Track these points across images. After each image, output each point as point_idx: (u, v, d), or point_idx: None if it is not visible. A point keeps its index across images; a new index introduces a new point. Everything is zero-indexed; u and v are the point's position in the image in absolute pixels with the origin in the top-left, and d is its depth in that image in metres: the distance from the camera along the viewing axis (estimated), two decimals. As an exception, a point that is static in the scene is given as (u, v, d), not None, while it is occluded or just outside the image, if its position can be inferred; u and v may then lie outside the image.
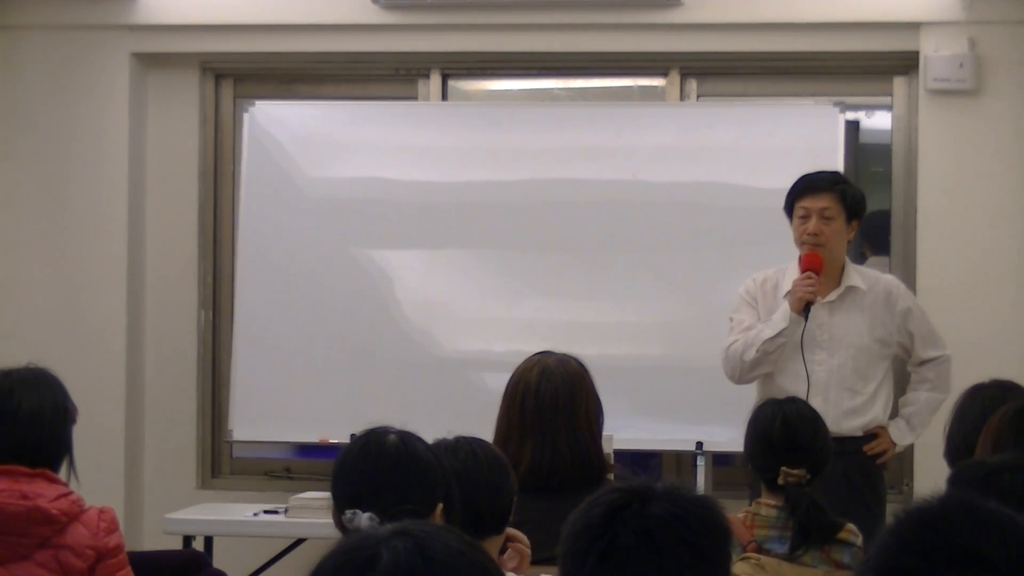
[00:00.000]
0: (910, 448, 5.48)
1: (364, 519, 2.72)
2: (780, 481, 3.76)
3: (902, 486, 6.15)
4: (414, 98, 6.54)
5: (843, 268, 5.13)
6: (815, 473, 3.79)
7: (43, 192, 6.50)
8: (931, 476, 5.34)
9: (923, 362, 5.19)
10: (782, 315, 5.03)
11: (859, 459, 5.02)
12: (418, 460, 2.81)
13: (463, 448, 3.11)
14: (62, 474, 3.75)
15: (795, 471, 3.75)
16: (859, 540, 3.76)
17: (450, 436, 3.16)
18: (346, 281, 6.20)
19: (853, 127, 6.32)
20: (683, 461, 6.20)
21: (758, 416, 3.91)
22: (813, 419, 3.91)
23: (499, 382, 3.94)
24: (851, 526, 3.79)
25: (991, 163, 6.08)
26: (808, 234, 5.05)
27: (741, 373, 5.11)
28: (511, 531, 3.15)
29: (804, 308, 4.99)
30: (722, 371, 5.18)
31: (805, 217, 5.08)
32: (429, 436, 2.95)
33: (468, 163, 6.21)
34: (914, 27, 6.11)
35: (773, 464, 3.78)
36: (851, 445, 4.97)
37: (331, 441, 5.96)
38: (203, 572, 5.10)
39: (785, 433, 3.81)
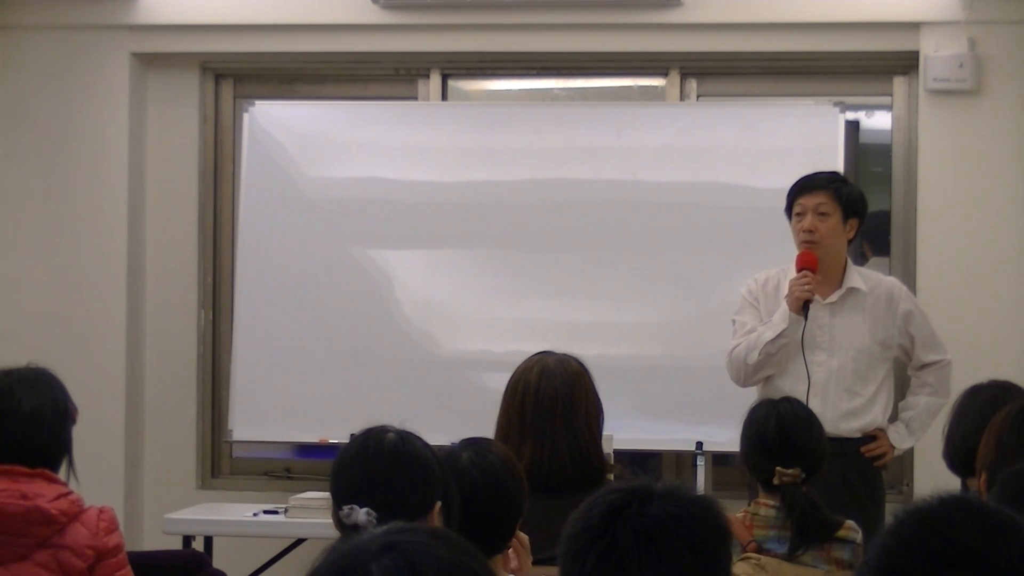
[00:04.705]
0: (910, 449, 5.47)
1: (361, 514, 2.73)
2: (775, 481, 3.75)
3: (902, 487, 6.15)
4: (414, 98, 6.55)
5: (844, 269, 5.13)
6: (811, 473, 3.79)
7: (43, 192, 6.50)
8: (931, 476, 5.33)
9: (923, 366, 5.18)
10: (781, 316, 5.03)
11: (857, 461, 5.02)
12: (416, 458, 2.82)
13: (477, 467, 3.09)
14: (62, 474, 3.75)
15: (790, 471, 3.74)
16: (859, 537, 3.76)
17: (463, 453, 3.13)
18: (346, 281, 6.20)
19: (853, 127, 6.32)
20: (683, 461, 6.20)
21: (753, 416, 3.91)
22: (808, 419, 3.90)
23: (499, 382, 3.94)
24: (850, 523, 3.79)
25: (991, 163, 6.08)
26: (803, 230, 5.06)
27: (746, 377, 5.11)
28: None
29: (803, 307, 4.99)
30: (722, 371, 5.18)
31: (801, 214, 5.09)
32: (429, 436, 2.95)
33: (468, 163, 6.21)
34: (914, 27, 6.11)
35: (768, 464, 3.77)
36: (849, 447, 4.97)
37: (331, 441, 5.96)
38: (203, 572, 5.10)
39: (779, 433, 3.81)
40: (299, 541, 5.75)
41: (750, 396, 5.02)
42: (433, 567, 1.49)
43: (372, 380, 6.10)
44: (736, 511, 3.74)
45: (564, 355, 3.91)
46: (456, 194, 6.19)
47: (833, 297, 5.10)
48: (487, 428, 3.73)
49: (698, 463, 5.84)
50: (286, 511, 5.64)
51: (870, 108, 6.46)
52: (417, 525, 1.59)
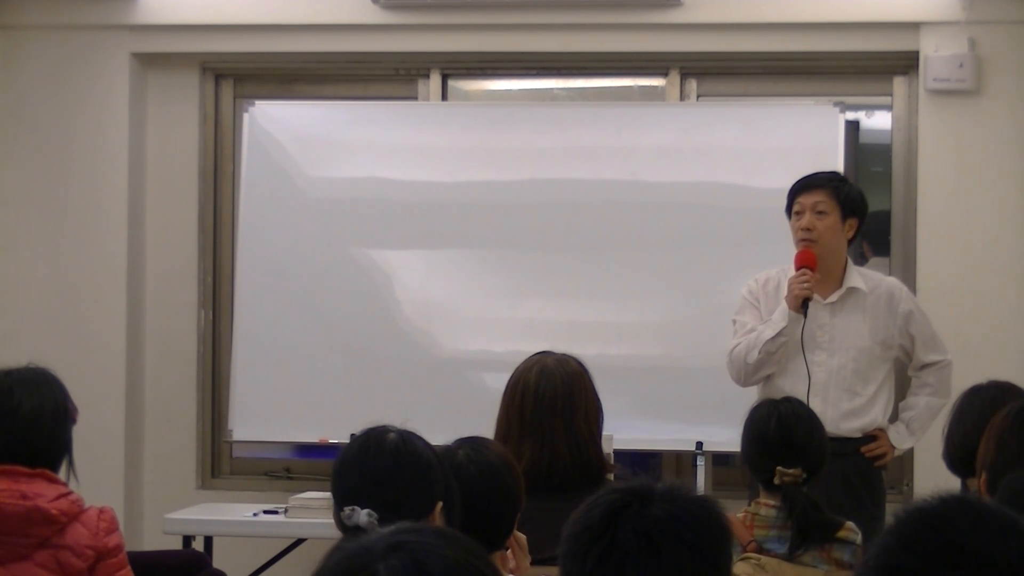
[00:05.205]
0: (910, 449, 5.47)
1: (363, 515, 2.73)
2: (776, 481, 3.76)
3: (902, 487, 6.15)
4: (414, 98, 6.55)
5: (844, 269, 5.13)
6: (811, 473, 3.79)
7: (43, 192, 6.50)
8: (931, 477, 5.33)
9: (924, 366, 5.18)
10: (781, 314, 5.03)
11: (857, 461, 5.02)
12: (418, 458, 2.82)
13: (474, 463, 3.10)
14: (62, 474, 3.75)
15: (791, 471, 3.74)
16: (859, 538, 3.76)
17: (460, 450, 3.14)
18: (346, 281, 6.20)
19: (853, 127, 6.32)
20: (683, 461, 6.20)
21: (754, 416, 3.91)
22: (809, 419, 3.90)
23: (499, 382, 3.94)
24: (850, 524, 3.79)
25: (991, 163, 6.08)
26: (801, 229, 5.07)
27: (746, 376, 5.11)
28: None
29: (802, 305, 5.00)
30: (722, 371, 5.18)
31: (800, 213, 5.10)
32: (429, 436, 2.95)
33: (468, 163, 6.21)
34: (914, 27, 6.11)
35: (769, 464, 3.78)
36: (850, 447, 4.97)
37: (331, 441, 5.96)
38: (203, 572, 5.10)
39: (780, 433, 3.81)
40: (299, 541, 5.75)
41: (750, 396, 5.02)
42: (440, 567, 1.49)
43: (372, 380, 6.10)
44: (736, 511, 3.74)
45: (564, 355, 3.91)
46: (456, 194, 6.19)
47: (833, 297, 5.10)
48: (487, 428, 3.73)
49: (698, 463, 5.84)
50: (286, 511, 5.64)
51: (870, 108, 6.46)
52: (424, 525, 1.59)
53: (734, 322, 5.20)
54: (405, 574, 1.48)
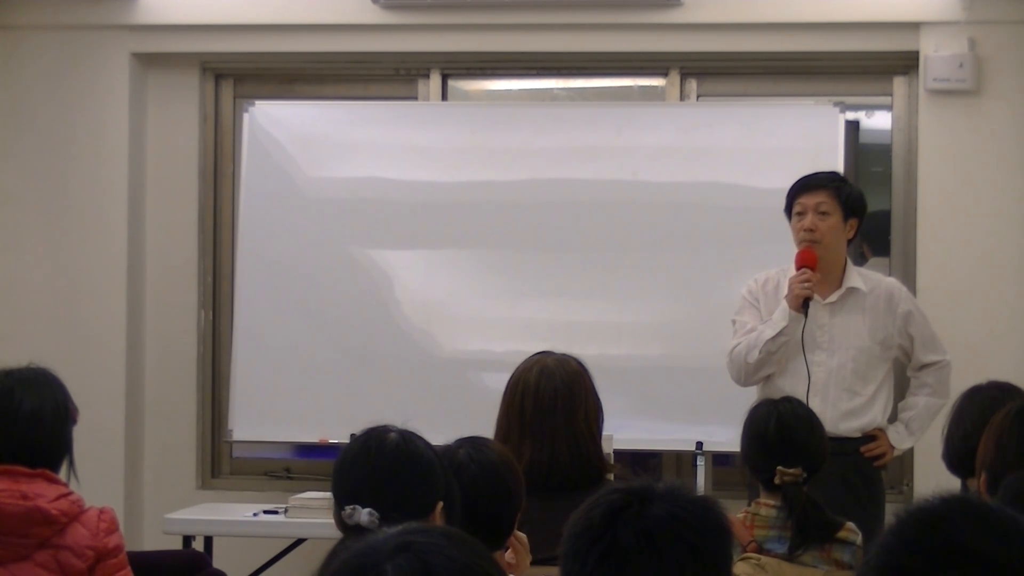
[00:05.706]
0: (910, 449, 5.48)
1: (364, 514, 2.73)
2: (776, 480, 3.76)
3: (902, 487, 6.15)
4: (414, 98, 6.55)
5: (844, 269, 5.13)
6: (811, 472, 3.79)
7: (43, 192, 6.50)
8: (931, 477, 5.34)
9: (923, 367, 5.18)
10: (781, 314, 5.04)
11: (857, 460, 5.02)
12: (418, 458, 2.82)
13: (475, 463, 3.11)
14: (62, 474, 3.75)
15: (791, 470, 3.75)
16: (859, 539, 3.76)
17: (460, 450, 3.14)
18: (346, 281, 6.20)
19: (853, 127, 6.32)
20: (683, 461, 6.20)
21: (753, 416, 3.91)
22: (808, 418, 3.91)
23: (499, 382, 3.94)
24: (851, 524, 3.80)
25: (991, 163, 6.08)
26: (804, 230, 5.07)
27: (746, 376, 5.12)
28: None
29: (803, 304, 5.00)
30: (722, 371, 5.19)
31: (801, 214, 5.10)
32: (429, 436, 2.95)
33: (468, 163, 6.21)
34: (914, 27, 6.11)
35: (769, 464, 3.78)
36: (849, 446, 4.98)
37: (331, 441, 5.96)
38: (203, 572, 5.10)
39: (780, 432, 3.82)
40: (299, 541, 5.75)
41: (750, 396, 5.02)
42: (447, 568, 1.49)
43: (372, 380, 6.10)
44: (736, 511, 3.74)
45: (564, 355, 3.91)
46: (456, 194, 6.19)
47: (833, 297, 5.10)
48: (487, 428, 3.73)
49: (698, 463, 5.84)
50: (286, 511, 5.64)
51: (870, 108, 6.46)
52: (431, 526, 1.60)
53: (734, 322, 5.21)
54: (412, 574, 1.48)
